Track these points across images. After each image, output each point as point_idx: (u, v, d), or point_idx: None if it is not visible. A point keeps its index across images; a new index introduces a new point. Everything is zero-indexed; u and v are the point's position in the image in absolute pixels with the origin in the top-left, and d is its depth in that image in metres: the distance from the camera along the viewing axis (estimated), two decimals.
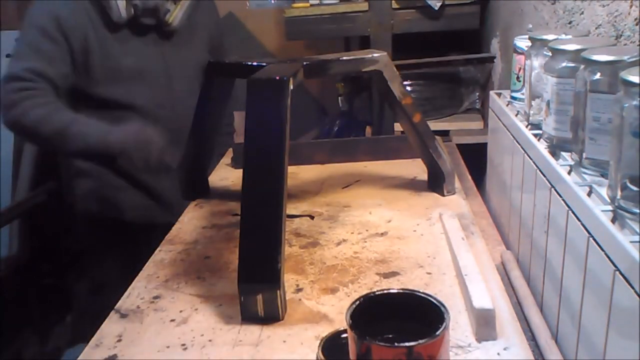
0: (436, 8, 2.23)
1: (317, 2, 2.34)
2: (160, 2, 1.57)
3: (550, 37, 1.07)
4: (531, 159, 1.08)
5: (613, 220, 0.74)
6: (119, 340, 0.95)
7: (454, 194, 1.42)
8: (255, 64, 1.21)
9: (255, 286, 0.96)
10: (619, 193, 0.75)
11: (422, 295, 0.67)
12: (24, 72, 1.47)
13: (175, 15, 1.61)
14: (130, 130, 1.50)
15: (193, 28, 1.68)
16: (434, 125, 1.98)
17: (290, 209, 1.39)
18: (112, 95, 1.57)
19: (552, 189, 0.94)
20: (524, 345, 0.87)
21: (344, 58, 1.27)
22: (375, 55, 1.28)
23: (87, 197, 1.70)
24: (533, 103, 1.14)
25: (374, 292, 0.69)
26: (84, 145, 1.47)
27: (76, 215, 1.73)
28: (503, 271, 1.15)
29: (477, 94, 2.40)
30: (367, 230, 1.26)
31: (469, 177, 1.59)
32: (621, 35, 1.04)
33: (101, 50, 1.55)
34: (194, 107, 1.50)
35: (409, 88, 2.33)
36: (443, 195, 1.41)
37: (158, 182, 1.70)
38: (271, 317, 0.96)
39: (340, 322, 0.92)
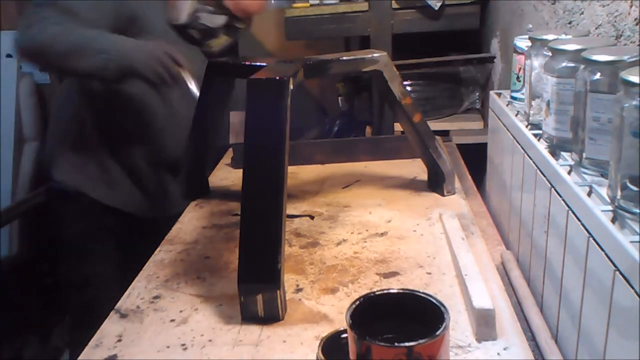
0: (436, 8, 2.23)
1: (317, 2, 2.33)
2: (213, 29, 1.53)
3: (550, 37, 1.07)
4: (531, 159, 1.08)
5: (613, 220, 0.74)
6: (119, 340, 0.95)
7: (454, 194, 1.42)
8: (255, 64, 1.21)
9: (255, 286, 0.96)
10: (619, 193, 0.75)
11: (422, 295, 0.67)
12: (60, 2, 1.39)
13: (219, 44, 1.58)
14: (149, 46, 1.45)
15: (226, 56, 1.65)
16: (434, 125, 1.98)
17: (290, 209, 1.39)
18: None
19: (552, 189, 0.94)
20: (524, 345, 0.87)
21: (344, 58, 1.27)
22: (375, 55, 1.28)
23: (80, 189, 1.67)
24: (533, 103, 1.14)
25: (374, 292, 0.69)
26: (102, 61, 1.38)
27: (69, 207, 1.71)
28: (503, 271, 1.15)
29: (477, 94, 2.40)
30: (367, 230, 1.26)
31: (469, 177, 1.59)
32: (621, 35, 1.04)
33: (145, 25, 1.50)
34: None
35: (409, 88, 2.33)
36: (443, 195, 1.41)
37: (150, 179, 1.69)
38: (271, 317, 0.96)
39: (340, 322, 0.92)
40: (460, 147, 1.85)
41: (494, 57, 2.19)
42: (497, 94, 1.45)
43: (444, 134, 2.19)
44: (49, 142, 1.77)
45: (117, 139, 1.63)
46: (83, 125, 1.63)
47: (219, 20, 1.52)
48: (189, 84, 1.44)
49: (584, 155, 0.89)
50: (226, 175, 1.70)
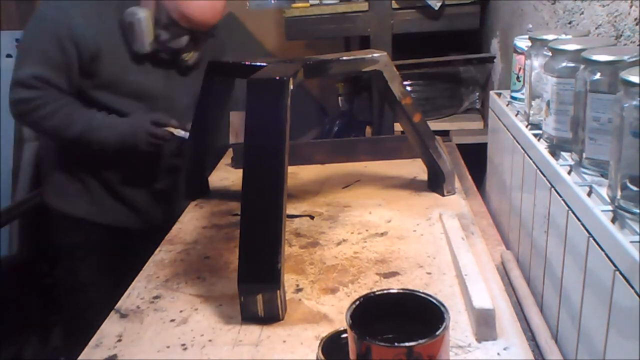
0: (436, 8, 2.23)
1: (317, 2, 2.33)
2: (186, 45, 1.57)
3: (550, 37, 1.07)
4: (531, 159, 1.08)
5: (613, 220, 0.74)
6: (119, 340, 0.95)
7: (454, 194, 1.42)
8: (255, 64, 1.21)
9: (255, 286, 0.96)
10: (619, 193, 0.75)
11: (422, 295, 0.67)
12: (32, 80, 1.48)
13: (192, 57, 1.62)
14: (138, 122, 1.56)
15: (204, 60, 1.66)
16: (434, 125, 1.98)
17: (290, 209, 1.39)
18: (111, 103, 1.57)
19: (552, 189, 0.94)
20: (524, 345, 0.87)
21: (344, 58, 1.27)
22: (375, 55, 1.28)
23: (71, 202, 1.70)
24: (533, 103, 1.14)
25: (374, 292, 0.69)
26: (104, 146, 1.56)
27: (60, 216, 1.73)
28: (503, 271, 1.15)
29: (477, 94, 2.40)
30: (367, 230, 1.26)
31: (469, 177, 1.59)
32: (621, 35, 1.04)
33: (110, 59, 1.54)
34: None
35: (409, 88, 2.32)
36: (443, 195, 1.41)
37: (138, 195, 1.72)
38: (271, 317, 0.96)
39: (340, 322, 0.92)
40: (460, 147, 1.86)
41: (494, 57, 2.19)
42: (497, 94, 1.45)
43: (444, 134, 2.19)
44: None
45: (97, 159, 1.65)
46: (63, 146, 1.66)
47: (182, 42, 1.55)
48: (178, 134, 1.57)
49: (584, 155, 0.89)
50: (226, 175, 1.70)
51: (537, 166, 1.04)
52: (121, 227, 1.71)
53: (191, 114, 1.62)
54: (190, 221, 1.40)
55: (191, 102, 1.64)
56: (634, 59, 0.81)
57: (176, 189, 1.73)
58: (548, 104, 1.01)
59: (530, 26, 1.52)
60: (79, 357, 0.92)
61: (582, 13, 1.23)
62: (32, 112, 1.51)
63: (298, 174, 1.63)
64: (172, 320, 0.99)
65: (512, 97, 1.31)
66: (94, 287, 1.73)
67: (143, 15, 1.50)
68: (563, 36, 1.06)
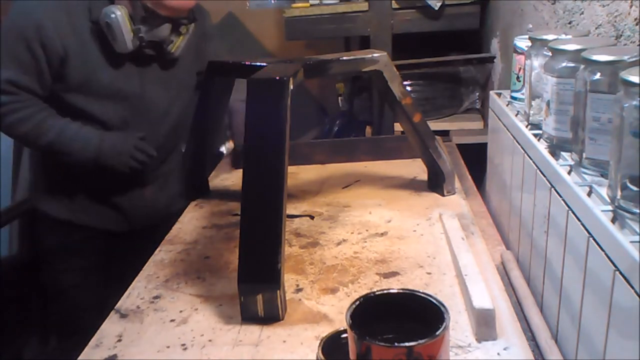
0: (436, 8, 2.23)
1: (317, 2, 2.33)
2: (166, 36, 1.52)
3: (550, 37, 1.07)
4: (531, 159, 1.08)
5: (613, 220, 0.74)
6: (119, 340, 0.95)
7: (454, 194, 1.42)
8: (255, 64, 1.21)
9: (255, 286, 0.96)
10: (619, 193, 0.75)
11: (422, 295, 0.67)
12: (3, 84, 1.45)
13: (178, 46, 1.56)
14: (119, 142, 1.53)
15: (189, 51, 1.62)
16: (434, 125, 1.98)
17: (290, 209, 1.39)
18: (85, 106, 1.53)
19: (552, 189, 0.94)
20: (524, 345, 0.87)
21: (344, 58, 1.27)
22: (375, 55, 1.28)
23: (59, 206, 1.68)
24: (533, 103, 1.14)
25: (374, 292, 0.69)
26: (75, 159, 1.52)
27: (49, 219, 1.72)
28: (503, 271, 1.15)
29: (477, 94, 2.40)
30: (367, 230, 1.26)
31: (469, 177, 1.59)
32: (621, 35, 1.04)
33: (80, 61, 1.50)
34: (171, 125, 1.63)
35: (409, 88, 2.32)
36: (443, 195, 1.41)
37: (127, 200, 1.68)
38: (271, 317, 0.96)
39: (340, 322, 0.92)
40: (460, 147, 1.85)
41: (494, 57, 2.19)
42: (497, 94, 1.45)
43: (444, 134, 2.19)
44: None
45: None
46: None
47: (164, 31, 1.51)
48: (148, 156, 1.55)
49: (584, 155, 0.89)
50: (226, 175, 1.70)
51: (537, 166, 1.04)
52: (106, 230, 1.69)
53: (172, 114, 1.63)
54: (190, 221, 1.40)
55: (173, 101, 1.63)
56: (634, 59, 0.81)
57: (163, 191, 1.72)
58: (548, 104, 1.01)
59: (530, 26, 1.52)
60: (79, 357, 0.92)
61: (582, 13, 1.23)
62: (4, 117, 1.47)
63: (298, 174, 1.63)
64: (172, 320, 0.99)
65: (512, 97, 1.31)
66: (79, 290, 1.73)
67: (119, 13, 1.44)
68: (563, 36, 1.06)
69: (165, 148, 1.65)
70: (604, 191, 0.81)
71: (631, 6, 1.00)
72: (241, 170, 1.00)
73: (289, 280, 1.08)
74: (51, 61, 1.47)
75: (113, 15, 1.44)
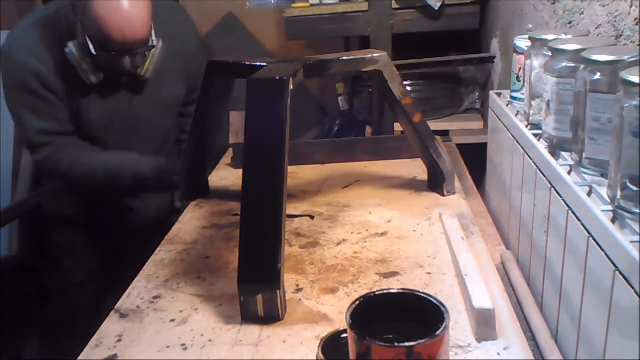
0: (436, 8, 2.23)
1: (317, 2, 2.33)
2: (132, 64, 1.49)
3: (550, 37, 1.07)
4: (531, 159, 1.08)
5: (613, 220, 0.74)
6: (119, 340, 0.95)
7: (454, 194, 1.42)
8: (255, 64, 1.21)
9: (255, 286, 0.96)
10: (619, 193, 0.75)
11: (422, 295, 0.67)
12: (38, 137, 1.53)
13: (147, 68, 1.54)
14: (153, 163, 1.59)
15: (164, 66, 1.60)
16: (434, 125, 1.98)
17: (290, 209, 1.39)
18: (85, 134, 1.59)
19: (552, 189, 0.94)
20: (524, 345, 0.87)
21: (344, 58, 1.27)
22: (375, 55, 1.28)
23: (68, 203, 1.72)
24: (533, 103, 1.14)
25: (374, 292, 0.69)
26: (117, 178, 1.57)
27: (53, 216, 1.75)
28: (503, 271, 1.15)
29: (477, 94, 2.40)
30: (367, 230, 1.26)
31: (469, 177, 1.59)
32: (621, 35, 1.04)
33: (72, 93, 1.53)
34: (161, 141, 1.68)
35: (409, 88, 2.32)
36: (443, 195, 1.41)
37: (132, 201, 1.72)
38: (271, 317, 0.96)
39: (340, 322, 0.92)
40: (460, 147, 1.85)
41: (494, 57, 2.19)
42: (497, 94, 1.45)
43: (444, 134, 2.19)
44: None
45: None
46: None
47: (124, 63, 1.48)
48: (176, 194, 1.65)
49: (584, 155, 0.89)
50: (226, 175, 1.70)
51: (537, 166, 1.04)
52: (114, 227, 1.72)
53: (158, 137, 1.67)
54: (190, 221, 1.40)
55: (161, 112, 1.66)
56: (634, 59, 0.81)
57: (168, 193, 1.75)
58: (548, 104, 1.01)
59: (530, 26, 1.52)
60: (79, 357, 0.92)
61: (582, 13, 1.23)
62: (55, 168, 1.56)
63: (298, 174, 1.63)
64: (172, 320, 0.99)
65: (512, 97, 1.31)
66: (82, 289, 1.74)
67: (74, 50, 1.45)
68: (563, 36, 1.06)
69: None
70: (604, 191, 0.81)
71: (631, 6, 1.00)
72: (241, 170, 1.00)
73: (289, 280, 1.08)
74: (60, 97, 1.52)
75: (70, 51, 1.46)
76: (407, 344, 0.59)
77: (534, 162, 1.06)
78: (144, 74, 1.54)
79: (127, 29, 1.40)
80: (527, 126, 1.15)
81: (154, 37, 1.50)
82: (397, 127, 2.21)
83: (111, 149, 1.61)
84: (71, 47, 1.45)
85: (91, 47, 1.42)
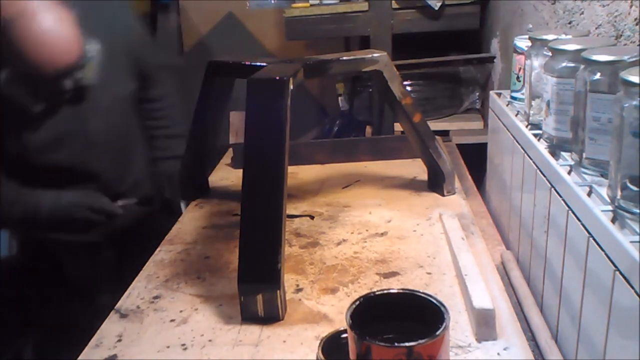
0: (436, 8, 2.23)
1: (317, 2, 2.34)
2: (73, 81, 1.35)
3: (550, 37, 1.07)
4: (531, 159, 1.08)
5: (613, 220, 0.74)
6: (119, 340, 0.95)
7: (454, 194, 1.42)
8: (255, 64, 1.21)
9: (255, 286, 0.96)
10: (619, 193, 0.75)
11: (422, 295, 0.67)
12: None
13: (90, 74, 1.39)
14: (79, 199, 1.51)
15: (107, 65, 1.44)
16: (434, 125, 1.98)
17: (290, 209, 1.39)
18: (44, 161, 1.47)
19: (552, 189, 0.94)
20: (524, 345, 0.87)
21: (344, 58, 1.27)
22: (375, 55, 1.28)
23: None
24: (533, 103, 1.14)
25: (374, 292, 0.69)
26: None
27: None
28: (503, 271, 1.15)
29: (477, 94, 2.40)
30: (367, 230, 1.26)
31: (469, 177, 1.59)
32: (621, 35, 1.04)
33: (13, 134, 1.40)
34: (122, 150, 1.58)
35: (409, 88, 2.33)
36: (443, 195, 1.41)
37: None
38: (271, 317, 0.96)
39: (340, 322, 0.92)
40: (460, 147, 1.85)
41: (494, 57, 2.19)
42: (497, 94, 1.45)
43: (444, 134, 2.19)
44: None
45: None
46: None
47: (66, 84, 1.36)
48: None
49: (584, 155, 0.89)
50: (226, 175, 1.70)
51: (537, 166, 1.04)
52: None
53: (117, 145, 1.55)
54: (190, 221, 1.40)
55: (110, 127, 1.53)
56: (634, 59, 0.81)
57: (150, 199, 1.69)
58: (548, 104, 1.01)
59: (530, 26, 1.52)
60: (79, 357, 0.92)
61: (582, 13, 1.23)
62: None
63: (298, 174, 1.63)
64: (172, 320, 0.99)
65: (512, 97, 1.31)
66: (89, 288, 1.73)
67: (4, 79, 1.30)
68: (563, 36, 1.06)
69: (119, 164, 1.61)
70: (604, 191, 0.81)
71: (631, 6, 1.00)
72: (241, 170, 1.00)
73: (289, 280, 1.08)
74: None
75: (1, 80, 1.32)
76: (407, 344, 0.59)
77: (534, 162, 1.06)
78: (89, 78, 1.40)
79: (57, 56, 1.28)
80: (527, 126, 1.15)
81: (87, 47, 1.36)
82: (397, 127, 2.21)
83: (64, 174, 1.47)
84: (2, 75, 1.30)
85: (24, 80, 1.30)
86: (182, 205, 1.60)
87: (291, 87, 1.03)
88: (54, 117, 1.42)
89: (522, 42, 1.24)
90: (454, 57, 2.31)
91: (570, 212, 0.85)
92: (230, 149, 1.82)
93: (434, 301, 0.66)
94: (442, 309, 0.64)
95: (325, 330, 0.90)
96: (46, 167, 1.45)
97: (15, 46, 1.23)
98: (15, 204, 1.47)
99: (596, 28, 1.15)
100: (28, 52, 1.24)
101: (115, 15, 1.54)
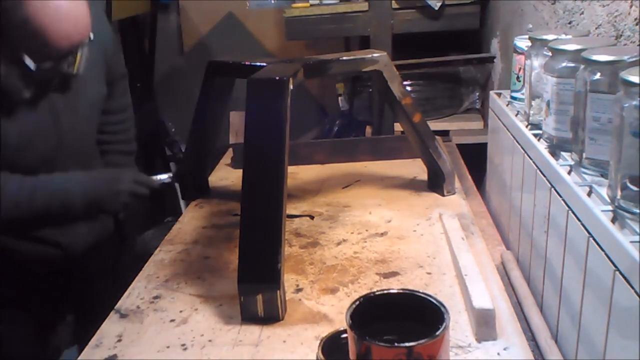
0: (436, 8, 2.23)
1: (317, 2, 2.34)
2: (61, 66, 1.24)
3: (550, 37, 1.07)
4: (531, 159, 1.08)
5: (613, 220, 0.74)
6: (119, 340, 0.95)
7: (454, 194, 1.42)
8: (255, 64, 1.21)
9: (255, 286, 0.96)
10: (619, 193, 0.75)
11: (422, 295, 0.67)
12: None
13: (79, 63, 1.27)
14: (113, 177, 1.36)
15: (88, 63, 1.33)
16: (434, 125, 1.98)
17: (290, 209, 1.39)
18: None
19: (552, 189, 0.94)
20: (524, 345, 0.87)
21: (344, 58, 1.27)
22: (375, 55, 1.28)
23: None
24: (533, 103, 1.14)
25: (374, 292, 0.69)
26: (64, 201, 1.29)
27: None
28: (503, 271, 1.15)
29: (477, 94, 2.40)
30: (367, 230, 1.26)
31: (469, 177, 1.59)
32: (621, 35, 1.04)
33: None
34: (87, 157, 1.41)
35: (409, 88, 2.33)
36: (443, 195, 1.41)
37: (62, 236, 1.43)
38: (271, 317, 0.96)
39: (340, 322, 0.92)
40: (460, 147, 1.85)
41: (494, 57, 2.19)
42: (497, 94, 1.45)
43: (444, 134, 2.19)
44: None
45: None
46: None
47: (64, 66, 1.25)
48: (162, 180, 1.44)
49: (584, 155, 0.89)
50: (226, 175, 1.70)
51: (537, 166, 1.04)
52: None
53: (83, 149, 1.40)
54: (190, 221, 1.40)
55: (78, 129, 1.38)
56: (634, 59, 0.81)
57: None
58: (548, 104, 1.01)
59: (530, 26, 1.52)
60: (79, 357, 0.92)
61: (582, 13, 1.23)
62: None
63: (298, 174, 1.63)
64: (172, 320, 0.99)
65: (512, 97, 1.31)
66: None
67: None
68: (563, 36, 1.06)
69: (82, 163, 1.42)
70: (604, 191, 0.81)
71: (631, 6, 1.00)
72: (241, 170, 1.00)
73: (289, 280, 1.08)
74: None
75: None
76: (407, 344, 0.59)
77: (534, 162, 1.06)
78: (78, 68, 1.28)
79: (73, 32, 1.19)
80: (527, 126, 1.15)
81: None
82: (397, 127, 2.21)
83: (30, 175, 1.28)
84: None
85: (27, 59, 1.18)
86: (182, 205, 1.57)
87: (291, 87, 1.03)
88: (34, 110, 1.27)
89: (522, 42, 1.24)
90: (454, 57, 2.31)
91: (570, 212, 0.85)
92: (230, 149, 1.82)
93: (434, 301, 0.66)
94: (442, 309, 0.64)
95: (325, 330, 0.90)
96: (15, 169, 1.27)
97: (28, 21, 1.14)
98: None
99: (596, 28, 1.15)
100: (47, 29, 1.15)
101: (95, 17, 1.39)
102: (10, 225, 1.29)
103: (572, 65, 0.95)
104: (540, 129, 1.08)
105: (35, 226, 1.35)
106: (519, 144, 1.16)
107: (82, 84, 1.36)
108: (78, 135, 1.39)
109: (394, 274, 1.08)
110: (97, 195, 1.32)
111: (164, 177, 1.48)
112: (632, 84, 0.70)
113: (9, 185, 1.23)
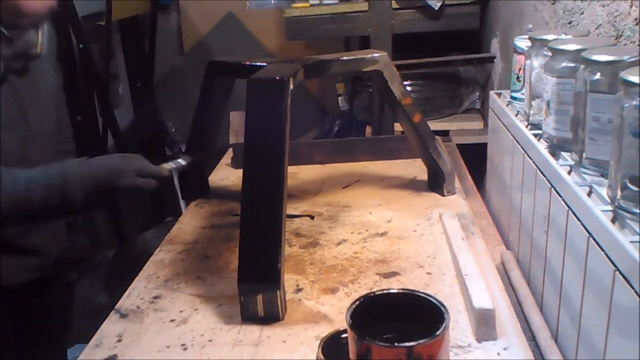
0: (436, 8, 2.23)
1: (317, 2, 2.34)
2: (25, 43, 1.16)
3: (550, 37, 1.07)
4: (531, 159, 1.08)
5: (613, 220, 0.74)
6: (119, 340, 0.95)
7: (454, 194, 1.42)
8: (255, 64, 1.21)
9: (255, 286, 0.96)
10: (619, 193, 0.75)
11: (422, 295, 0.67)
12: None
13: (41, 42, 1.19)
14: (117, 161, 1.20)
15: (47, 46, 1.25)
16: (434, 125, 1.98)
17: (290, 209, 1.39)
18: None
19: (552, 189, 0.94)
20: (524, 345, 0.87)
21: (344, 58, 1.27)
22: (375, 55, 1.28)
23: None
24: (533, 103, 1.14)
25: (374, 292, 0.69)
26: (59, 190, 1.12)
27: None
28: (503, 271, 1.15)
29: (477, 94, 2.40)
30: (367, 230, 1.26)
31: (469, 177, 1.59)
32: (621, 35, 1.04)
33: None
34: (53, 130, 1.30)
35: (409, 88, 2.33)
36: (443, 195, 1.41)
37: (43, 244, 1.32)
38: (271, 317, 0.96)
39: (340, 322, 0.92)
40: (460, 147, 1.85)
41: (494, 57, 2.19)
42: (497, 94, 1.45)
43: (444, 134, 2.19)
44: None
45: None
46: None
47: (35, 37, 1.18)
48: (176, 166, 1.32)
49: (584, 155, 0.89)
50: (226, 175, 1.70)
51: (537, 166, 1.04)
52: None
53: (50, 139, 1.28)
54: (190, 221, 1.40)
55: (44, 116, 1.27)
56: (634, 59, 0.81)
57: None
58: (548, 104, 1.01)
59: (530, 26, 1.52)
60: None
61: (582, 13, 1.23)
62: None
63: (298, 174, 1.63)
64: (172, 320, 0.99)
65: (512, 97, 1.31)
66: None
67: None
68: (563, 36, 1.06)
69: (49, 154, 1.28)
70: (604, 191, 0.81)
71: (631, 6, 1.00)
72: (241, 170, 1.00)
73: (289, 280, 1.08)
74: None
75: None
76: (407, 344, 0.59)
77: (534, 162, 1.06)
78: (40, 50, 1.19)
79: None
80: (527, 126, 1.15)
81: None
82: (397, 127, 2.21)
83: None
84: None
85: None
86: (182, 205, 1.57)
87: (291, 87, 1.03)
88: None
89: (522, 42, 1.24)
90: (454, 57, 2.31)
91: (570, 212, 0.85)
92: (230, 149, 1.82)
93: (434, 301, 0.66)
94: (442, 309, 0.64)
95: (325, 330, 0.90)
96: None
97: None
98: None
99: (596, 28, 1.15)
100: None
101: None
102: (10, 222, 1.17)
103: (572, 65, 0.95)
104: (540, 129, 1.08)
105: (34, 220, 1.22)
106: (519, 144, 1.16)
107: (43, 65, 1.26)
108: (42, 124, 1.27)
109: (394, 274, 1.08)
110: (97, 185, 1.14)
111: (179, 161, 1.32)
112: (632, 84, 0.70)
113: (3, 179, 1.09)
